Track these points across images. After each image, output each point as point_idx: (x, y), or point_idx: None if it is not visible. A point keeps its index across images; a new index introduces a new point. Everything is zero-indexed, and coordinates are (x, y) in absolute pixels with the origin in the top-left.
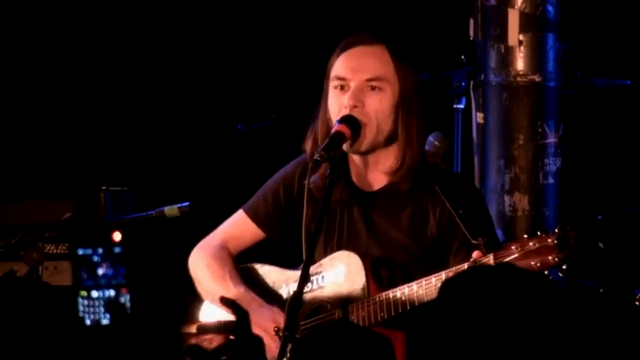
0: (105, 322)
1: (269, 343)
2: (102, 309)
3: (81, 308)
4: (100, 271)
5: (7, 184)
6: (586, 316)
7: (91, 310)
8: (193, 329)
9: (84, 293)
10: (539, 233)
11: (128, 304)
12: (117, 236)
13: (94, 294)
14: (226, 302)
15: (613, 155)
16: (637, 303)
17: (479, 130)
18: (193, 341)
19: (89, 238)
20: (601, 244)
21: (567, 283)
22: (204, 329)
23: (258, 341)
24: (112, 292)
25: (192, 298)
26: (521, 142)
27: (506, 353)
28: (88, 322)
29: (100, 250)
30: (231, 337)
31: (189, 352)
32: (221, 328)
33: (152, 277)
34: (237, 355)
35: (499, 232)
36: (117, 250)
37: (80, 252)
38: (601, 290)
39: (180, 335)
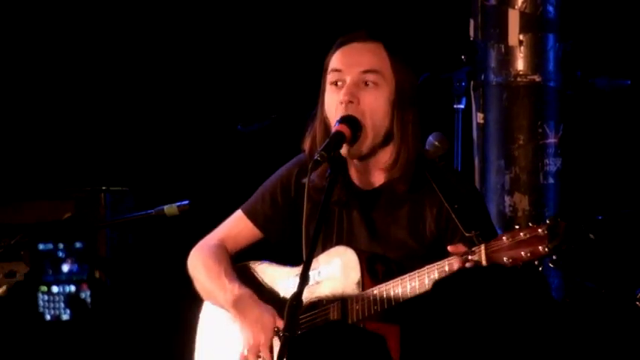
0: (65, 317)
1: (259, 340)
2: (62, 304)
3: (41, 303)
4: (65, 267)
5: (7, 184)
6: (586, 316)
7: (51, 305)
8: None
9: (44, 288)
10: (530, 224)
11: (89, 300)
12: None
13: (55, 289)
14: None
15: (613, 155)
16: (637, 303)
17: (479, 130)
18: None
19: (49, 234)
20: (591, 235)
21: (568, 283)
22: None
23: None
24: (72, 288)
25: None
26: (521, 142)
27: (496, 346)
28: (48, 317)
29: (61, 246)
30: None
31: None
32: None
33: (119, 273)
34: None
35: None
36: (78, 245)
37: (41, 247)
38: (602, 290)
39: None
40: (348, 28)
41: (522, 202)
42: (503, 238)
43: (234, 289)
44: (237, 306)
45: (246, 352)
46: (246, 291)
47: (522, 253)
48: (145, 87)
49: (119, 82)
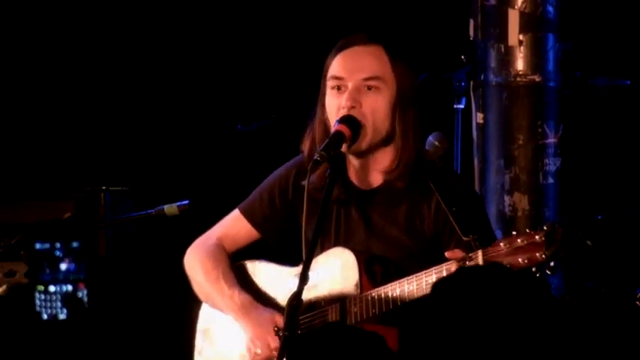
0: (62, 316)
1: (267, 343)
2: (59, 304)
3: (38, 303)
4: (63, 267)
5: (7, 184)
6: (586, 316)
7: (49, 304)
8: None
9: (41, 288)
10: (527, 230)
11: (86, 299)
12: None
13: (52, 288)
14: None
15: (613, 155)
16: (637, 303)
17: (479, 130)
18: None
19: (46, 233)
20: (589, 242)
21: (568, 283)
22: None
23: None
24: (69, 287)
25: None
26: (521, 142)
27: (495, 348)
28: (45, 316)
29: (59, 245)
30: None
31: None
32: None
33: (112, 272)
34: None
35: (499, 233)
36: (75, 244)
37: (38, 246)
38: (602, 290)
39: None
40: (348, 28)
41: (522, 201)
42: (501, 244)
43: (234, 295)
44: (238, 311)
45: (259, 351)
46: (246, 297)
47: (520, 259)
48: (145, 87)
49: (118, 82)
